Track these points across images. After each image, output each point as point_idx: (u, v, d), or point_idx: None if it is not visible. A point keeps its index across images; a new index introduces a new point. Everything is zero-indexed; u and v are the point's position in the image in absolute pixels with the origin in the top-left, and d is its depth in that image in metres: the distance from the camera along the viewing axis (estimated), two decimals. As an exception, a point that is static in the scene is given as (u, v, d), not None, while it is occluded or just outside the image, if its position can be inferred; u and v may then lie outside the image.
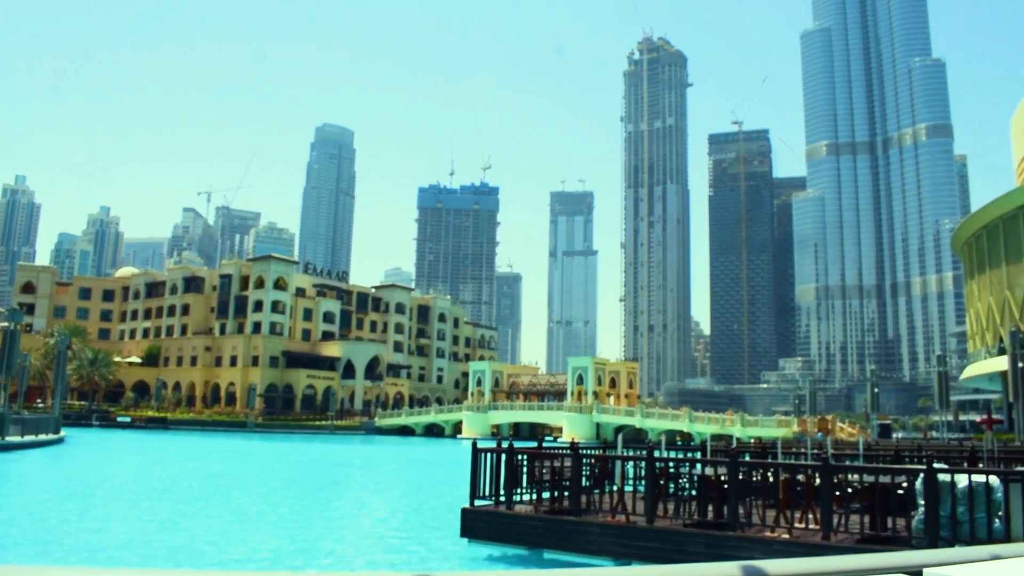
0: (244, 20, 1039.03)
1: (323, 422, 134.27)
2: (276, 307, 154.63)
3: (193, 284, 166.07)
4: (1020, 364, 57.98)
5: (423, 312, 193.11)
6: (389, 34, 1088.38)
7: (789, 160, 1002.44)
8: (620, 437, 26.85)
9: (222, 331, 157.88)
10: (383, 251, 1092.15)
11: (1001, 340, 74.75)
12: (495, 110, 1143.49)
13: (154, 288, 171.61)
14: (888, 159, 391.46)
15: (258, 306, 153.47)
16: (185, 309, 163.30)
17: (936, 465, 14.42)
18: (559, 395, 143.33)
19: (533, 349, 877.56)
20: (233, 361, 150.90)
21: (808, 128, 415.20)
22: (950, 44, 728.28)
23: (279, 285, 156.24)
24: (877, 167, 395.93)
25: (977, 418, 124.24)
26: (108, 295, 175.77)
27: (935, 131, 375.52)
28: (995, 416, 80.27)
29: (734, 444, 31.38)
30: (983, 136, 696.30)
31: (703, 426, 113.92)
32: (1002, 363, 69.00)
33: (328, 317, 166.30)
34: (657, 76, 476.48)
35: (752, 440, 68.29)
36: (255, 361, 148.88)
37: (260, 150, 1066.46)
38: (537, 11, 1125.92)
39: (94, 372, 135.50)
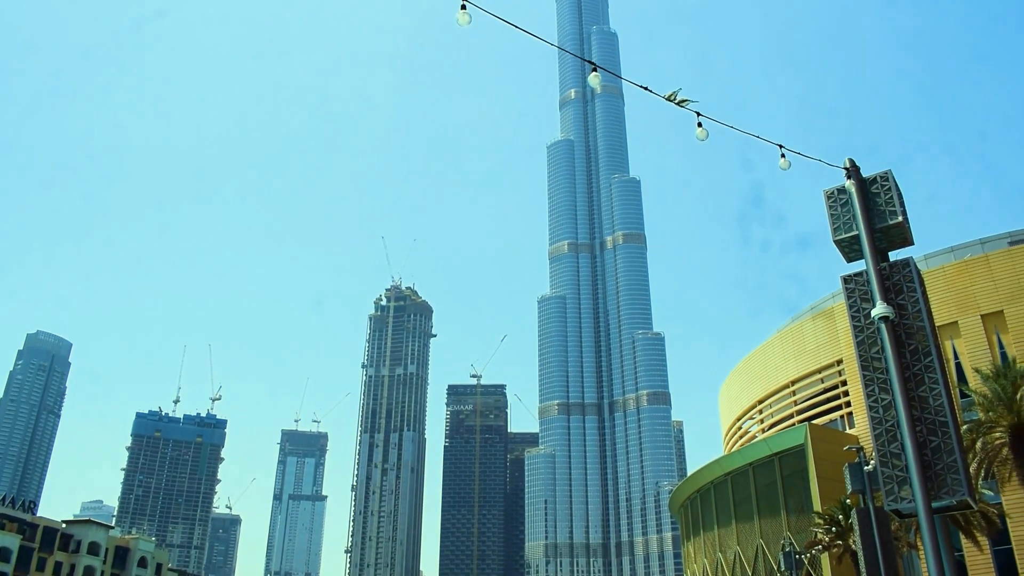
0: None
1: None
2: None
3: None
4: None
5: (121, 555, 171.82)
6: (127, 247, 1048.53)
7: (524, 416, 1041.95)
8: None
9: None
10: (85, 481, 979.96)
11: (715, 603, 76.23)
12: (231, 338, 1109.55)
13: None
14: (614, 421, 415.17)
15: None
16: None
17: None
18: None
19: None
20: None
21: (542, 386, 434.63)
22: (668, 319, 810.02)
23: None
24: (604, 428, 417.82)
25: None
26: None
27: (655, 398, 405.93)
28: None
29: None
30: (696, 404, 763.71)
31: None
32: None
33: (3, 555, 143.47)
34: (402, 324, 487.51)
35: None
36: None
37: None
38: (287, 246, 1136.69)
39: None
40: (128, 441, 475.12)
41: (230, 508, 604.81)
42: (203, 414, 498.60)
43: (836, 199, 13.51)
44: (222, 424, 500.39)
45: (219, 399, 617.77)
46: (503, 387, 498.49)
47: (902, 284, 12.44)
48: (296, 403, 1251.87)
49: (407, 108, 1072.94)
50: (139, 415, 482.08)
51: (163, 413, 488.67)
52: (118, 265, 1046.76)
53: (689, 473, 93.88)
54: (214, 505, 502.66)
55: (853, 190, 13.21)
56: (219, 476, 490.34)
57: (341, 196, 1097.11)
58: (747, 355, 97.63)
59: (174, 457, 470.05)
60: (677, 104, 13.98)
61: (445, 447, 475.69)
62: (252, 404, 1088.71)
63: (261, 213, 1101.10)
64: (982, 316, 67.31)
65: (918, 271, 12.61)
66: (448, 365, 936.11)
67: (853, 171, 13.35)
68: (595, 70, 14.33)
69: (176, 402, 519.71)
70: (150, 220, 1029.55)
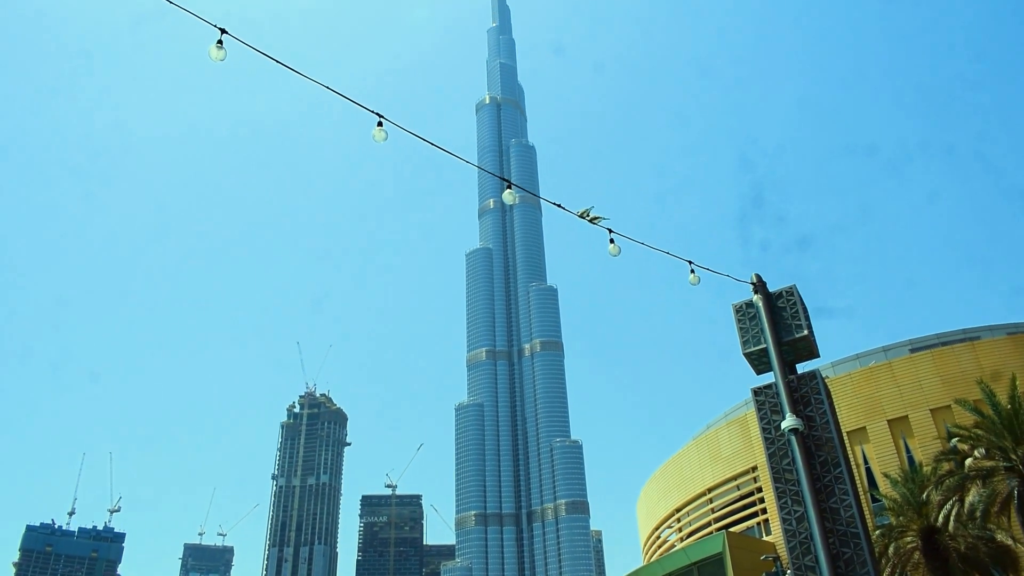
0: None
1: None
2: None
3: None
4: None
5: None
6: (22, 348, 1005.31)
7: (440, 527, 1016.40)
8: None
9: None
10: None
11: None
12: (134, 445, 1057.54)
13: None
14: (532, 532, 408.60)
15: None
16: None
17: None
18: None
19: None
20: None
21: (458, 496, 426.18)
22: (586, 427, 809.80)
23: None
24: (522, 539, 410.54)
25: None
26: None
27: (573, 507, 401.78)
28: None
29: None
30: (615, 513, 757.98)
31: None
32: None
33: None
34: (316, 432, 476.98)
35: None
36: None
37: None
38: (197, 349, 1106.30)
39: None
40: (16, 556, 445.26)
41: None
42: (100, 527, 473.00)
43: (744, 313, 13.87)
44: (120, 537, 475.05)
45: (118, 510, 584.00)
46: (419, 497, 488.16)
47: (810, 396, 12.71)
48: (201, 515, 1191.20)
49: (325, 212, 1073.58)
50: (29, 527, 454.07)
51: (56, 525, 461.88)
52: (10, 367, 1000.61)
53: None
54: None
55: (760, 304, 13.59)
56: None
57: (256, 299, 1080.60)
58: (664, 463, 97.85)
59: (66, 574, 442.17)
60: (590, 221, 14.34)
61: (358, 561, 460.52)
62: (154, 516, 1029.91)
63: (171, 313, 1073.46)
64: (888, 421, 69.26)
65: (824, 383, 12.93)
66: (362, 475, 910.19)
67: (760, 286, 13.76)
68: (509, 187, 14.73)
69: (71, 514, 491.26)
70: (47, 316, 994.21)
